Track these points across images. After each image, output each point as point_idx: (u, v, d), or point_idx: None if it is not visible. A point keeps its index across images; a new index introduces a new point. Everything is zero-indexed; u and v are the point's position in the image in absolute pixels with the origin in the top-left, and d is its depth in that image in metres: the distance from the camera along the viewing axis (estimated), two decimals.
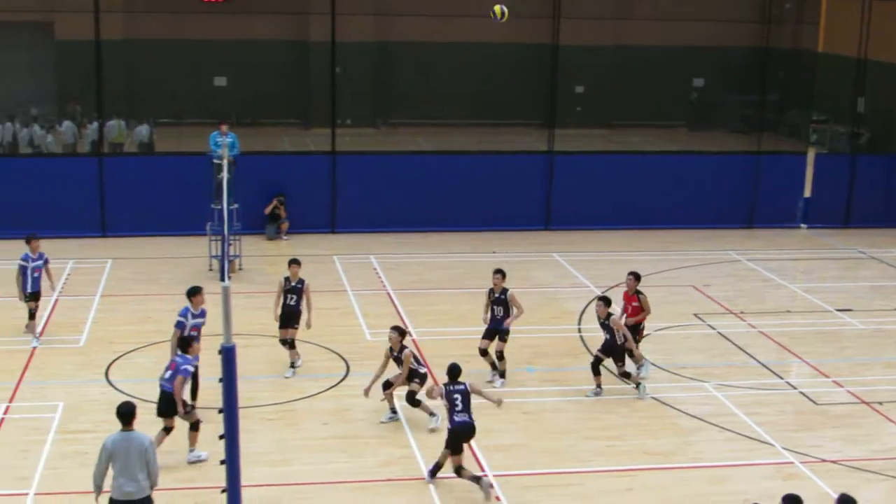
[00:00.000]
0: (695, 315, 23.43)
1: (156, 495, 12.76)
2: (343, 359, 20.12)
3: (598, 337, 19.11)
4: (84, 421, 17.09)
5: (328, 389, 18.72)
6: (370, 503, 14.91)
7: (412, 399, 16.94)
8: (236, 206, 25.44)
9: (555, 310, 23.64)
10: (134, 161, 30.91)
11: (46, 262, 20.88)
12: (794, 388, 19.45)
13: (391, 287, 24.83)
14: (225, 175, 22.94)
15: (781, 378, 19.96)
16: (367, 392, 17.08)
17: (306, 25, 34.28)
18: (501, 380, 18.97)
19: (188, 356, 15.77)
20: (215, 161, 25.06)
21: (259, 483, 14.98)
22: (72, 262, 26.15)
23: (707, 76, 37.52)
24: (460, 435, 15.09)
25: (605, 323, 18.43)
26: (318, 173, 29.95)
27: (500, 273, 19.04)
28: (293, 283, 19.25)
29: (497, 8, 21.11)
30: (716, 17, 34.26)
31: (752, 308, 24.13)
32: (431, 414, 16.99)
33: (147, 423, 14.65)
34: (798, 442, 17.07)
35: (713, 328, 22.61)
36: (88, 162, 29.46)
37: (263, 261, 26.72)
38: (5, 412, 17.36)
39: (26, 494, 14.72)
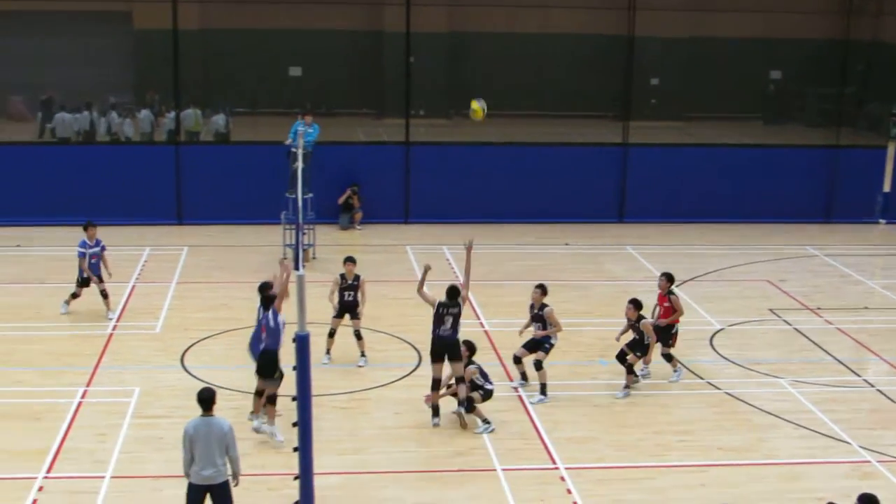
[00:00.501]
0: (770, 310, 23.15)
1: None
2: (415, 349, 20.16)
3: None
4: (160, 406, 17.30)
5: (400, 379, 18.77)
6: (441, 492, 14.93)
7: (469, 404, 16.81)
8: (311, 195, 25.54)
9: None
10: (210, 150, 31.20)
11: (103, 248, 21.40)
12: (872, 386, 19.15)
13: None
14: (300, 164, 23.05)
15: (858, 375, 19.66)
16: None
17: (381, 15, 34.40)
18: (541, 396, 17.92)
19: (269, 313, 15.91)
20: (292, 150, 25.24)
21: (331, 471, 15.05)
22: (148, 249, 26.51)
23: (785, 68, 37.01)
24: (438, 346, 16.59)
25: (636, 325, 18.37)
26: (391, 163, 30.07)
27: (540, 288, 18.18)
28: (349, 281, 19.31)
29: (472, 113, 20.40)
30: (794, 9, 33.81)
31: (829, 304, 23.79)
32: (485, 421, 16.75)
33: (223, 409, 14.76)
34: (875, 440, 16.80)
35: (789, 324, 22.33)
36: (165, 150, 29.87)
37: (337, 250, 26.73)
38: (83, 396, 17.62)
39: (103, 478, 14.94)
